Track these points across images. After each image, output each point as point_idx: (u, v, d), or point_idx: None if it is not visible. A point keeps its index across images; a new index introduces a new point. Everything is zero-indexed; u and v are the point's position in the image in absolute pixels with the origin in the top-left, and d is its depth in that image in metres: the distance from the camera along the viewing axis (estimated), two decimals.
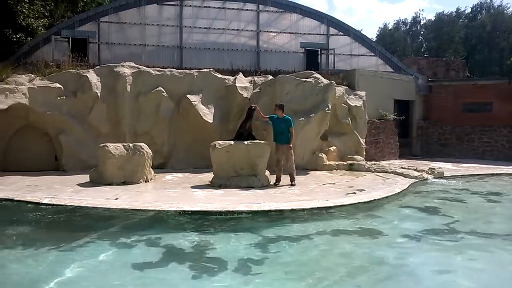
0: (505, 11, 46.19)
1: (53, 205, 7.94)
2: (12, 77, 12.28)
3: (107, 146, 10.14)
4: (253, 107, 10.69)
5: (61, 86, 12.45)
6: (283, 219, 7.36)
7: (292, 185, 10.23)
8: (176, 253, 5.68)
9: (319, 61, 19.44)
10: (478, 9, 48.90)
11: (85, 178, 10.48)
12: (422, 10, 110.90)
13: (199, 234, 6.47)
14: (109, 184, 9.87)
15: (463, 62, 26.06)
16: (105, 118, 12.71)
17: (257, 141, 10.47)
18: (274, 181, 10.38)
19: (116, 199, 8.31)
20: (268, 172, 10.48)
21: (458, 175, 12.83)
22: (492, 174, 13.29)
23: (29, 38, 17.24)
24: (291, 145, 10.43)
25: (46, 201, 8.14)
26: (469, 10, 49.48)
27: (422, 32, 52.92)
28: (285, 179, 10.39)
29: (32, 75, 12.79)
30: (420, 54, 45.50)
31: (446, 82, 19.79)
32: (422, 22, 53.10)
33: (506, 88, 17.71)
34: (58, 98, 12.33)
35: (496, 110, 17.71)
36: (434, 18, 50.42)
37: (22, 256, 5.53)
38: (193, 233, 6.50)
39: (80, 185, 9.89)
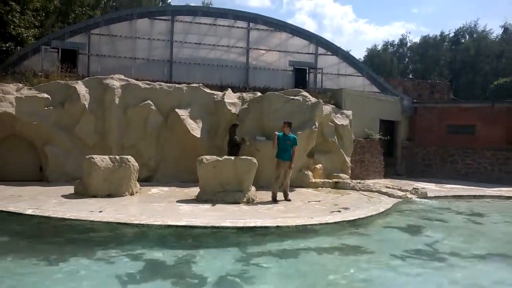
0: (488, 36, 47.31)
1: (37, 216, 7.86)
2: (0, 85, 12.20)
3: (93, 158, 10.08)
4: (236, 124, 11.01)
5: (49, 97, 12.40)
6: (268, 235, 7.37)
7: (287, 200, 10.42)
8: (159, 268, 5.66)
9: (307, 79, 19.75)
10: (461, 33, 50.01)
11: (70, 189, 10.39)
12: (409, 32, 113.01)
13: (183, 249, 6.45)
14: (94, 197, 9.79)
15: (448, 85, 26.62)
16: (92, 130, 12.66)
17: (244, 156, 10.54)
18: (271, 199, 10.36)
19: (101, 212, 8.25)
20: (254, 188, 10.52)
21: (442, 196, 13.00)
22: (475, 196, 13.48)
23: (18, 47, 17.20)
24: (292, 163, 10.62)
25: (29, 212, 8.04)
26: (452, 34, 50.53)
27: (408, 54, 53.87)
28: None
29: (20, 85, 12.72)
30: (406, 75, 46.25)
31: (431, 104, 20.15)
32: (408, 44, 54.09)
33: (489, 112, 18.11)
34: (46, 108, 12.27)
35: (479, 133, 18.07)
36: (420, 41, 51.43)
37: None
38: (177, 248, 6.48)
39: (65, 196, 9.80)
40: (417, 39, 54.14)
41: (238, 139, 11.85)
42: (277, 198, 10.37)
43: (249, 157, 10.49)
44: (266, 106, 13.36)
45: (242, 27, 19.27)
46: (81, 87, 12.76)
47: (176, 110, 13.17)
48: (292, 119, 12.52)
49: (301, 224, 8.00)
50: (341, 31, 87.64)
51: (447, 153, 18.57)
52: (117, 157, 10.48)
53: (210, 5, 41.60)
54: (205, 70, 18.41)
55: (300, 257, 6.37)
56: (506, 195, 13.89)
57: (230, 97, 14.09)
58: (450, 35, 50.43)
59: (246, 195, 10.05)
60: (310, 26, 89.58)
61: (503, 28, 47.50)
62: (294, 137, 10.72)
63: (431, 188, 14.38)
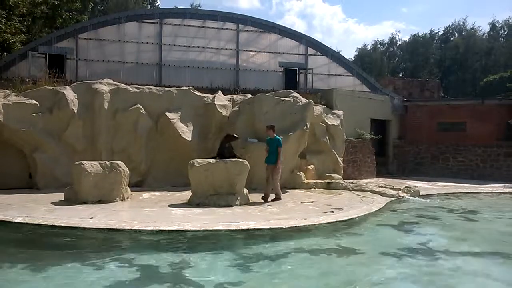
0: (477, 34, 47.74)
1: (27, 224, 7.73)
2: None
3: (83, 164, 9.95)
4: (237, 136, 10.97)
5: (37, 103, 12.23)
6: (262, 238, 7.32)
7: (278, 199, 10.56)
8: (152, 274, 5.58)
9: (297, 80, 19.75)
10: (450, 31, 50.43)
11: (60, 196, 10.24)
12: (399, 31, 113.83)
13: (176, 254, 6.37)
14: (84, 203, 9.65)
15: (438, 83, 26.78)
16: (81, 136, 12.50)
17: (236, 159, 10.48)
18: (261, 198, 10.54)
19: (92, 218, 8.13)
20: (247, 190, 10.46)
21: (434, 194, 13.02)
22: (467, 193, 13.53)
23: (5, 53, 17.01)
24: (277, 164, 10.66)
25: (19, 220, 7.90)
26: (441, 32, 50.93)
27: (398, 53, 54.18)
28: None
29: (8, 91, 12.53)
30: (396, 74, 46.51)
31: (421, 102, 20.23)
32: (398, 43, 54.42)
33: (479, 109, 18.21)
34: (34, 114, 12.09)
35: (470, 130, 18.16)
36: (409, 39, 51.76)
37: None
38: (170, 253, 6.40)
39: (55, 203, 9.65)
40: (406, 38, 54.58)
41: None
42: (269, 200, 10.41)
43: (241, 160, 10.43)
44: (257, 108, 13.30)
45: (231, 29, 19.21)
46: (69, 93, 12.60)
47: (166, 113, 13.07)
48: (283, 120, 12.53)
49: (294, 225, 7.95)
50: (330, 31, 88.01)
51: (439, 150, 18.65)
52: (107, 162, 10.36)
53: (199, 7, 41.51)
54: (194, 73, 18.32)
55: (294, 259, 6.31)
56: (498, 191, 13.98)
57: (221, 99, 14.01)
58: (440, 33, 50.89)
59: (239, 198, 9.98)
60: (299, 27, 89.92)
61: (490, 26, 48.00)
62: (278, 139, 10.82)
63: (423, 186, 14.41)
